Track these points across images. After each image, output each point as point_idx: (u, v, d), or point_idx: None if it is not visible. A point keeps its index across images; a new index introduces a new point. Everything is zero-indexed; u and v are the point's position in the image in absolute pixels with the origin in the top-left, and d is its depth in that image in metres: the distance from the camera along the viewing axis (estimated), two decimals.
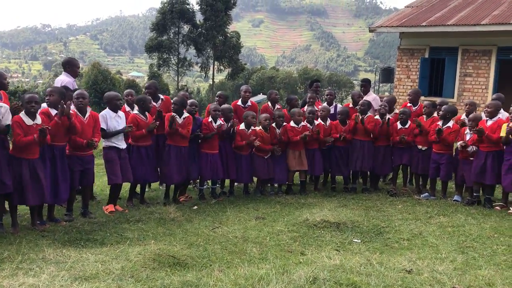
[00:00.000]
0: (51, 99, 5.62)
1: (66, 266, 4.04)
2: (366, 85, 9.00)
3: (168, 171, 6.89)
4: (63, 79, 6.87)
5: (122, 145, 6.43)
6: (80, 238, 5.18)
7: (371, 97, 8.73)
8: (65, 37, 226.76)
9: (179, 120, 6.82)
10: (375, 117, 7.90)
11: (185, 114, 6.92)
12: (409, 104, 8.40)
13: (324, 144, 7.93)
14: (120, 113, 6.49)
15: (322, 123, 7.92)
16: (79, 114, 5.86)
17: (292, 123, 7.73)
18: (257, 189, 7.87)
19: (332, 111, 8.41)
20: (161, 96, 7.59)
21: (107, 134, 6.25)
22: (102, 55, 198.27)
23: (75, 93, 5.99)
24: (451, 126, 7.30)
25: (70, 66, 7.03)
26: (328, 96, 8.96)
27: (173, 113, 6.77)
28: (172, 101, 7.17)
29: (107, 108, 6.40)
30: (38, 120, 5.36)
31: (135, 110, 6.80)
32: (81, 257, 4.34)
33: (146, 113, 6.75)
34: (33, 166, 5.32)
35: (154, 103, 7.25)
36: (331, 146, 7.95)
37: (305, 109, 8.04)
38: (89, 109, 6.09)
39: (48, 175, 5.53)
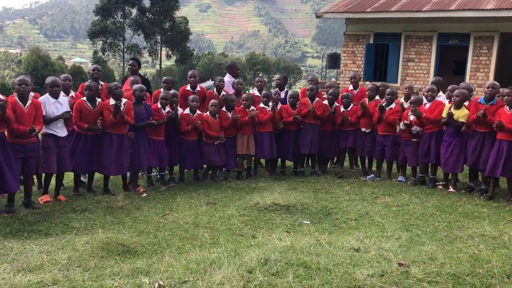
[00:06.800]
0: None
1: (8, 259, 3.86)
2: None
3: (107, 161, 6.50)
4: (226, 80, 8.36)
5: (62, 133, 6.13)
6: (23, 230, 4.97)
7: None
8: (1, 21, 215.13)
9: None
10: (324, 102, 8.04)
11: (124, 100, 6.58)
12: (350, 88, 8.84)
13: (276, 128, 7.96)
14: (62, 99, 6.20)
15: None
16: (20, 102, 5.56)
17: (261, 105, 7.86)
18: (205, 174, 7.82)
19: (282, 96, 8.44)
20: (101, 82, 7.40)
21: (44, 121, 5.91)
22: (43, 40, 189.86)
23: (17, 79, 5.69)
24: (393, 107, 7.55)
25: (231, 69, 8.89)
26: (278, 81, 8.96)
27: (115, 102, 6.42)
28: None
29: (47, 93, 6.11)
30: None
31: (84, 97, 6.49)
32: (25, 248, 4.16)
33: (99, 100, 6.47)
34: None
35: None
36: (281, 130, 8.00)
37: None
38: (31, 96, 5.79)
39: None
